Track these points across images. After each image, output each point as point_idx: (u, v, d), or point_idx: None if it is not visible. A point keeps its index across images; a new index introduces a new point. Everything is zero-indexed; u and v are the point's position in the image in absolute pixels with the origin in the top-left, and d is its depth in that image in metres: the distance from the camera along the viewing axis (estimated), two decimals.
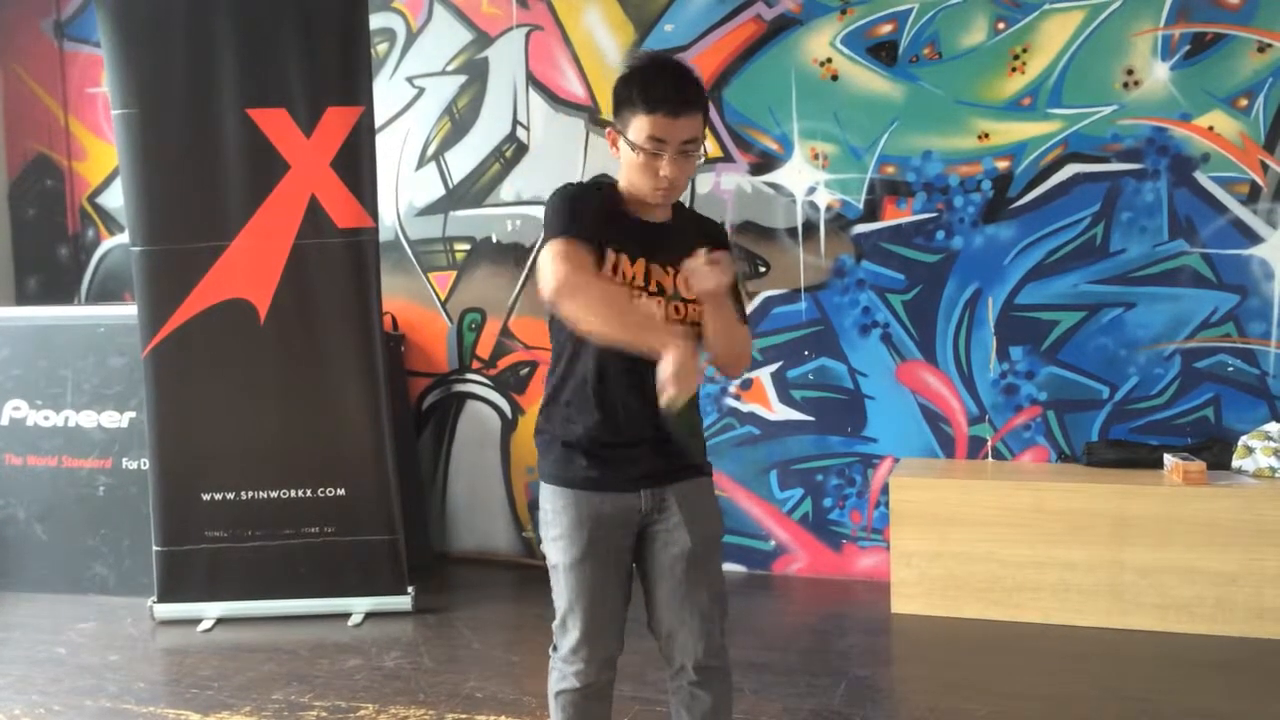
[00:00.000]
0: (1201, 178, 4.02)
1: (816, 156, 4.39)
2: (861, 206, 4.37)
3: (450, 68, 4.83)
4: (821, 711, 3.26)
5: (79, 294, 5.39)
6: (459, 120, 4.84)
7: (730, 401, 4.55)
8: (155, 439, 4.16)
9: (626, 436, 2.20)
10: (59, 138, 5.37)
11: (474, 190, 4.84)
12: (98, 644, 3.99)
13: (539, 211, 4.70)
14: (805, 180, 4.42)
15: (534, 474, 4.83)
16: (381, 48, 4.86)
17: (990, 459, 4.30)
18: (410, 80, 4.88)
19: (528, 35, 4.71)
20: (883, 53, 4.29)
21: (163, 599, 4.20)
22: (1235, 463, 3.94)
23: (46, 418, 4.56)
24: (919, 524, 4.02)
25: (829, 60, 4.34)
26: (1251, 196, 3.98)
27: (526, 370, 4.85)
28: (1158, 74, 4.02)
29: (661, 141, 2.12)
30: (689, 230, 2.25)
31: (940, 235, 4.29)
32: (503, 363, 4.87)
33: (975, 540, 3.96)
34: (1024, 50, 4.14)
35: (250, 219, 4.08)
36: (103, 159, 5.30)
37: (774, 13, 4.39)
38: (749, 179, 4.48)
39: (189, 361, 4.12)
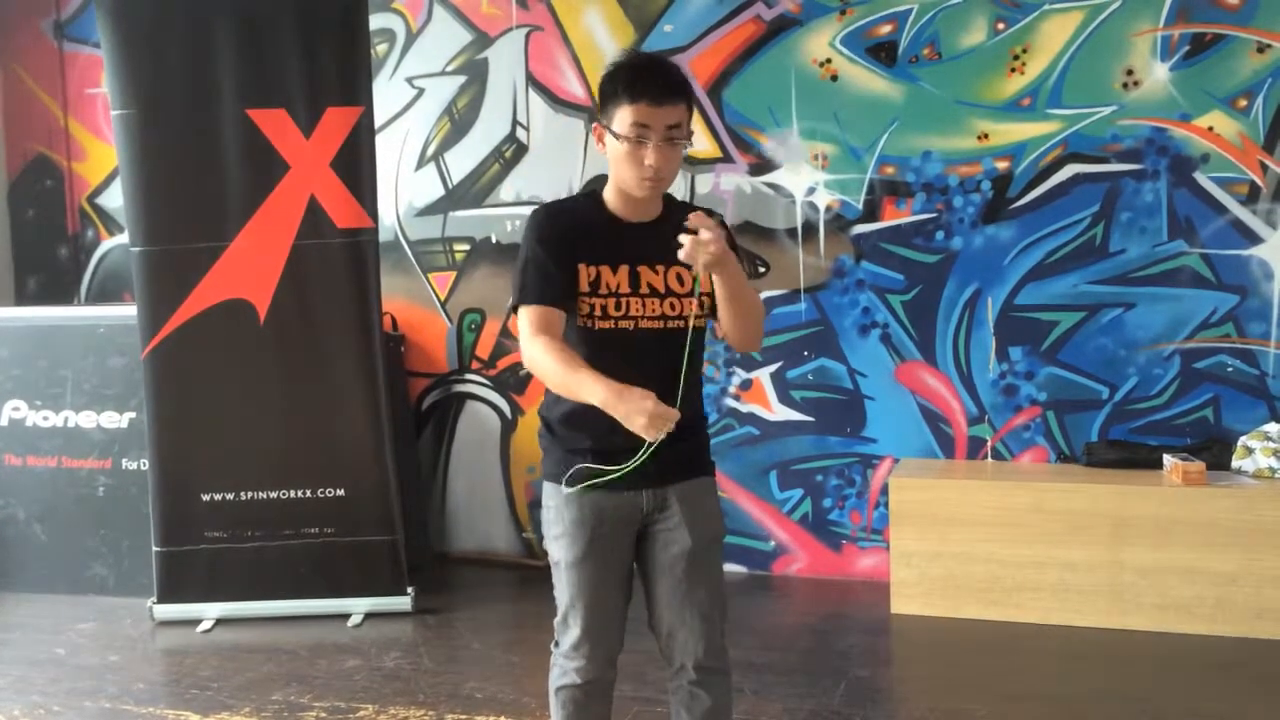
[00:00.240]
0: (1201, 178, 4.02)
1: (816, 157, 4.39)
2: (861, 207, 4.37)
3: (450, 68, 4.83)
4: (821, 712, 3.26)
5: (78, 294, 5.39)
6: (459, 121, 4.84)
7: (730, 402, 4.55)
8: (155, 439, 4.16)
9: (627, 436, 2.20)
10: (59, 138, 5.37)
11: (474, 191, 4.84)
12: (97, 644, 3.99)
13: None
14: (805, 181, 4.42)
15: (534, 474, 4.83)
16: (381, 48, 4.86)
17: (990, 459, 4.30)
18: (410, 81, 4.88)
19: (527, 36, 4.72)
20: (882, 53, 4.29)
21: (162, 599, 4.20)
22: (1235, 463, 3.94)
23: (46, 418, 4.56)
24: (919, 524, 4.02)
25: (828, 60, 4.34)
26: (1251, 197, 3.99)
27: (526, 371, 4.83)
28: (1157, 74, 4.02)
29: (645, 128, 2.13)
30: (678, 224, 2.22)
31: (940, 236, 4.29)
32: (502, 363, 4.87)
33: (975, 540, 3.96)
34: (1024, 50, 4.14)
35: (250, 219, 4.08)
36: (102, 159, 5.30)
37: (773, 13, 4.39)
38: (748, 179, 4.48)
39: (189, 362, 4.12)
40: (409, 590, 4.21)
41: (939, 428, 4.36)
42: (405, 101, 4.89)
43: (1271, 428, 3.92)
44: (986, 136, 4.21)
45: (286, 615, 4.18)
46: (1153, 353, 4.12)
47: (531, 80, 4.72)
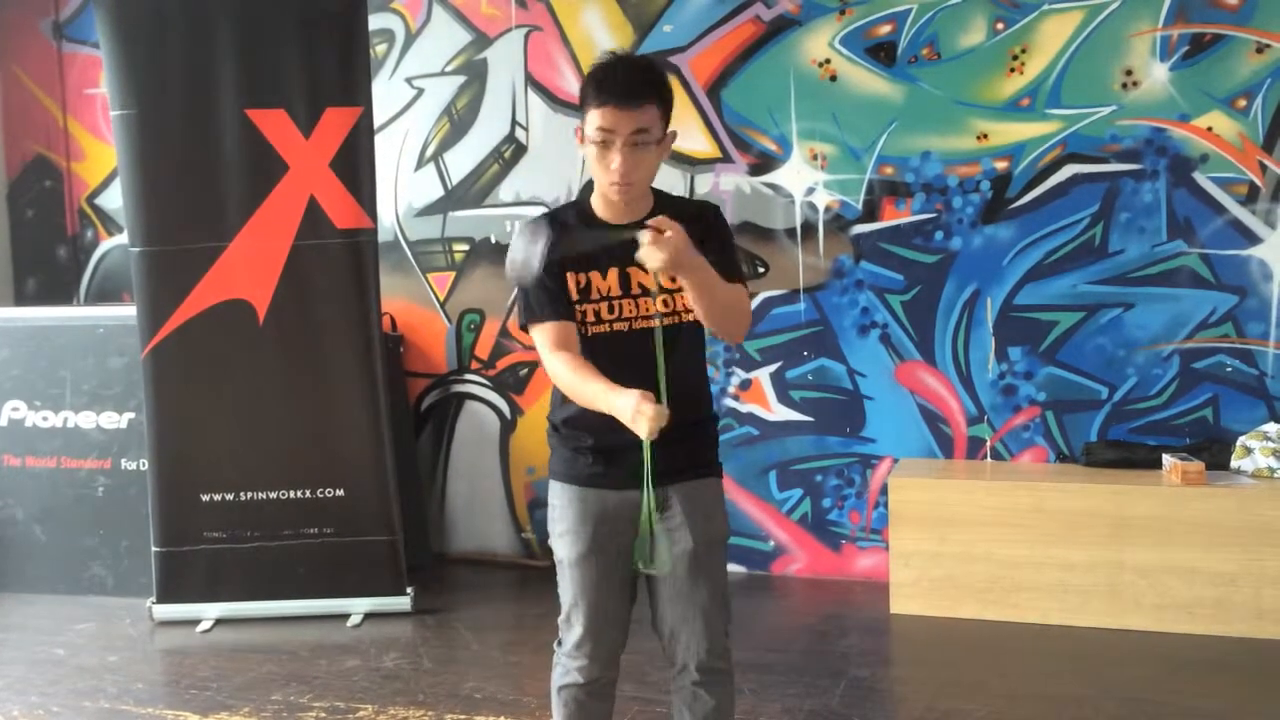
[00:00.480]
0: (1200, 178, 4.02)
1: (815, 157, 4.39)
2: (860, 207, 4.37)
3: (449, 68, 4.83)
4: (820, 711, 3.26)
5: (78, 295, 5.39)
6: (458, 121, 4.84)
7: (729, 402, 4.55)
8: (154, 440, 4.16)
9: (627, 434, 2.21)
10: (58, 138, 5.37)
11: (473, 191, 4.84)
12: (97, 645, 3.99)
13: (538, 213, 4.71)
14: (804, 181, 4.42)
15: (533, 474, 4.83)
16: (380, 48, 4.86)
17: (989, 459, 4.30)
18: (409, 81, 4.88)
19: (527, 36, 4.72)
20: (881, 53, 4.29)
21: (162, 600, 4.20)
22: (1234, 463, 3.94)
23: (45, 418, 4.55)
24: (918, 524, 4.02)
25: (828, 61, 4.34)
26: (1250, 197, 3.99)
27: (525, 371, 4.85)
28: (1156, 74, 4.02)
29: (610, 132, 2.12)
30: (672, 220, 2.24)
31: (939, 236, 4.30)
32: (502, 363, 4.87)
33: (974, 541, 3.96)
34: (1023, 51, 4.14)
35: (249, 220, 4.08)
36: (101, 160, 5.29)
37: (773, 13, 4.39)
38: (748, 179, 4.48)
39: (188, 362, 4.12)
40: (408, 590, 4.22)
41: (938, 428, 4.36)
42: (404, 102, 4.89)
43: (1270, 427, 3.92)
44: (986, 137, 4.21)
45: (286, 615, 4.18)
46: (1152, 353, 4.12)
47: (531, 80, 4.72)
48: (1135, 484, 3.84)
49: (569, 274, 2.21)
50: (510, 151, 4.78)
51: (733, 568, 4.54)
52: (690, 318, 2.23)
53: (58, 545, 4.54)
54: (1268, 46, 3.91)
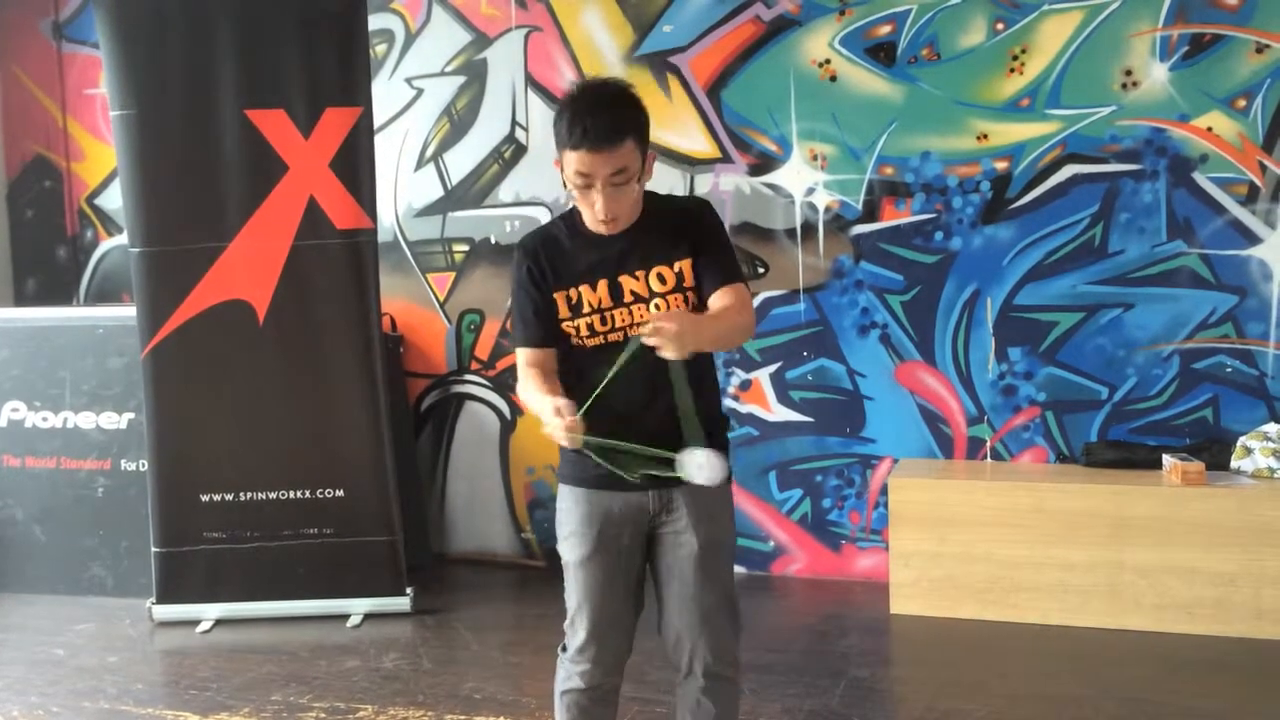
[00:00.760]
0: (1200, 178, 4.02)
1: (815, 157, 4.39)
2: (860, 207, 4.37)
3: (449, 69, 4.83)
4: (820, 712, 3.26)
5: (77, 295, 5.39)
6: (458, 121, 4.84)
7: (729, 402, 4.55)
8: (154, 440, 4.16)
9: (629, 439, 2.21)
10: (57, 139, 5.37)
11: (473, 191, 4.84)
12: (96, 645, 3.99)
13: (538, 213, 4.72)
14: (804, 181, 4.42)
15: (533, 474, 4.83)
16: (380, 48, 4.86)
17: (989, 459, 4.30)
18: (409, 81, 4.88)
19: (526, 36, 4.72)
20: (881, 53, 4.29)
21: (161, 600, 4.20)
22: (1234, 463, 3.94)
23: (45, 419, 4.55)
24: (918, 525, 4.02)
25: (827, 61, 4.34)
26: (1250, 197, 3.99)
27: None
28: (1156, 75, 4.02)
29: (588, 176, 2.10)
30: (655, 225, 2.24)
31: (939, 236, 4.30)
32: (501, 364, 4.87)
33: (974, 541, 3.96)
34: (1023, 51, 4.14)
35: (249, 220, 4.08)
36: (101, 160, 5.29)
37: (773, 13, 4.39)
38: (748, 180, 4.48)
39: (188, 363, 4.12)
40: (408, 591, 4.21)
41: (938, 428, 4.36)
42: (404, 102, 4.89)
43: (1270, 428, 3.92)
44: (985, 137, 4.21)
45: (286, 616, 4.18)
46: (1152, 353, 4.12)
47: (530, 81, 4.72)
48: (1135, 484, 3.84)
49: (558, 293, 2.23)
50: (510, 152, 4.78)
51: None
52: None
53: (57, 546, 4.54)
54: (1267, 47, 3.91)
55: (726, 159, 4.50)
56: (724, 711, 2.32)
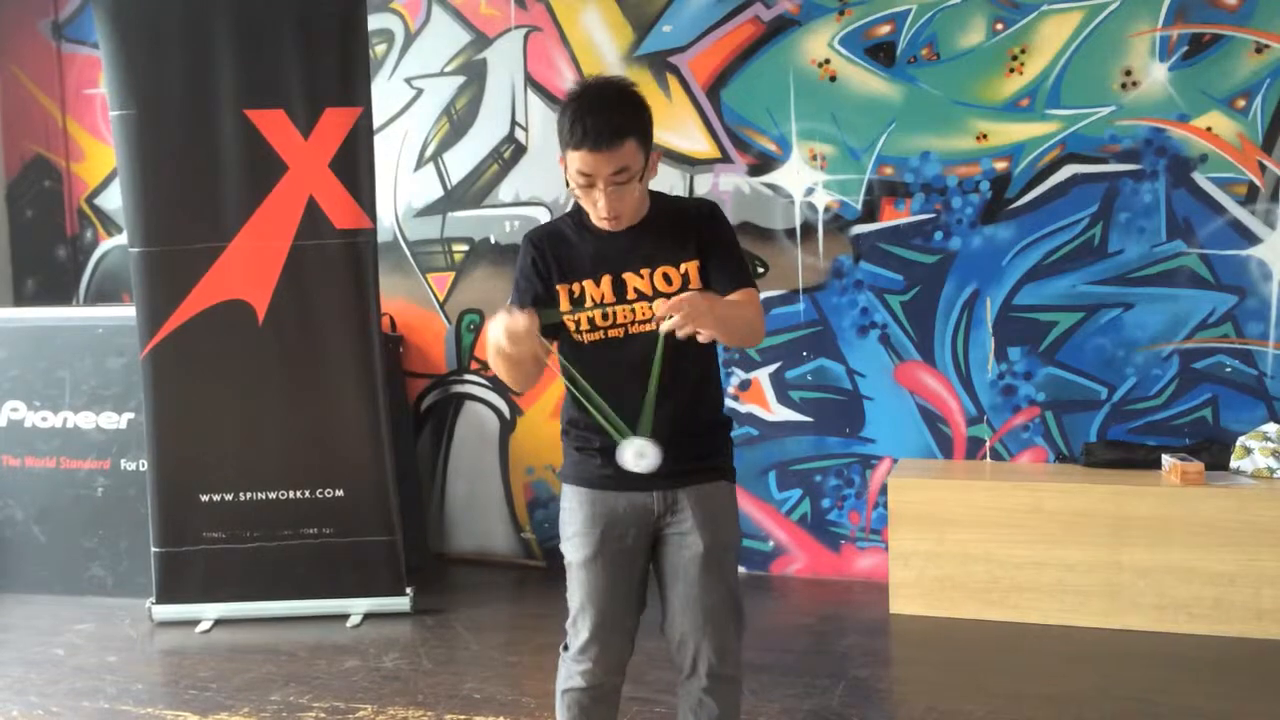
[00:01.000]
0: (1199, 178, 4.02)
1: (815, 157, 4.40)
2: (860, 207, 4.37)
3: (449, 69, 4.83)
4: (820, 712, 3.26)
5: (77, 295, 5.39)
6: (457, 121, 4.84)
7: (729, 402, 4.55)
8: (153, 440, 4.16)
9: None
10: (57, 139, 5.37)
11: (472, 191, 4.84)
12: (96, 645, 3.99)
13: (537, 213, 4.72)
14: (803, 181, 4.42)
15: (532, 474, 4.83)
16: (380, 48, 4.86)
17: (988, 460, 4.30)
18: (409, 81, 4.88)
19: (526, 36, 4.72)
20: (881, 53, 4.29)
21: (161, 600, 4.20)
22: (1233, 463, 3.94)
23: (45, 419, 4.55)
24: (917, 525, 4.02)
25: (827, 61, 4.34)
26: (1249, 197, 3.99)
27: None
28: (1156, 75, 4.02)
29: (589, 175, 2.12)
30: (662, 224, 2.24)
31: (938, 236, 4.30)
32: None
33: (973, 541, 3.96)
34: (1022, 51, 4.14)
35: (248, 220, 4.08)
36: (101, 160, 5.29)
37: (772, 13, 4.39)
38: (747, 180, 4.48)
39: (187, 363, 4.12)
40: (408, 591, 4.21)
41: (938, 428, 4.36)
42: (404, 102, 4.89)
43: (1270, 428, 3.92)
44: (985, 137, 4.21)
45: (285, 616, 4.18)
46: (1151, 353, 4.12)
47: (530, 81, 4.72)
48: (1134, 484, 3.85)
49: (561, 287, 2.23)
50: (510, 152, 4.78)
51: None
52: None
53: (57, 546, 4.54)
54: (1267, 46, 3.91)
55: (726, 159, 4.50)
56: (727, 711, 2.33)
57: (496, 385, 4.89)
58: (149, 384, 4.15)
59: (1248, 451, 3.91)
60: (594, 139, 2.07)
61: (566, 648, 2.36)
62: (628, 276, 2.22)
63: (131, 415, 4.46)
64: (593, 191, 2.14)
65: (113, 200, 5.18)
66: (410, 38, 4.86)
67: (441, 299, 4.93)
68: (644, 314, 2.21)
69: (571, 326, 2.24)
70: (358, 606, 4.20)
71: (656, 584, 2.34)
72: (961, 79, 4.21)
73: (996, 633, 3.87)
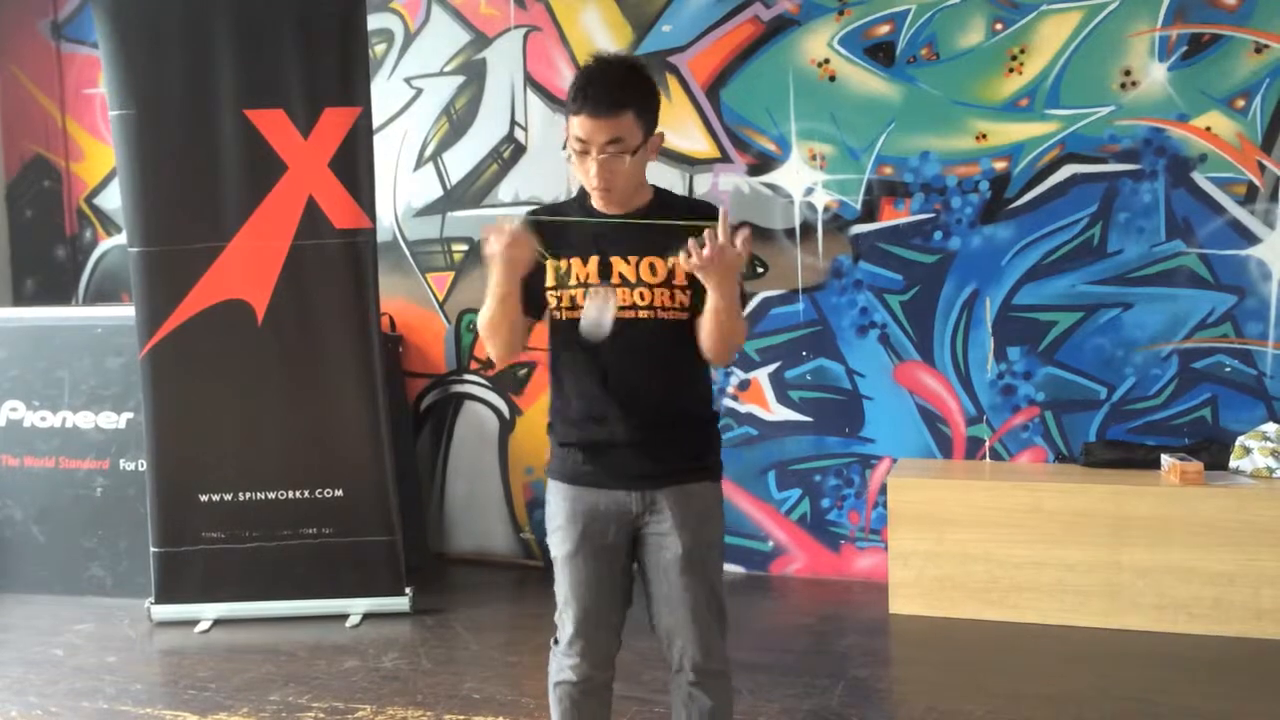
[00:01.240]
0: (1199, 178, 4.02)
1: (814, 157, 4.39)
2: (859, 207, 4.37)
3: (448, 68, 4.83)
4: (820, 712, 3.26)
5: (76, 295, 5.39)
6: (457, 121, 4.84)
7: (728, 402, 4.55)
8: (153, 440, 4.16)
9: (608, 429, 2.25)
10: (56, 139, 5.37)
11: (472, 191, 4.84)
12: (95, 645, 3.99)
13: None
14: (803, 181, 4.42)
15: (532, 474, 4.83)
16: (379, 48, 4.86)
17: (988, 459, 4.30)
18: (408, 81, 4.88)
19: (526, 36, 4.71)
20: (880, 53, 4.29)
21: (160, 600, 4.20)
22: (1233, 463, 3.94)
23: (44, 419, 4.55)
24: (917, 524, 4.02)
25: (826, 61, 4.34)
26: (1249, 197, 3.99)
27: (524, 371, 4.85)
28: (1155, 75, 4.02)
29: (584, 141, 2.15)
30: (660, 217, 2.24)
31: (938, 236, 4.30)
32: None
33: (973, 541, 3.96)
34: (1021, 51, 4.14)
35: (248, 220, 4.08)
36: (100, 160, 5.29)
37: (772, 13, 4.39)
38: (746, 179, 4.48)
39: (187, 362, 4.12)
40: (407, 591, 4.21)
41: (937, 428, 4.36)
42: (403, 102, 4.89)
43: (1269, 427, 3.92)
44: (984, 137, 4.21)
45: (284, 616, 4.18)
46: (1150, 353, 4.12)
47: (530, 80, 4.72)
48: (1134, 484, 3.85)
49: (549, 261, 2.25)
50: (509, 151, 4.78)
51: (731, 568, 4.55)
52: (671, 315, 2.23)
53: (56, 545, 4.54)
54: (1266, 46, 3.91)
55: (725, 159, 4.50)
56: (718, 703, 2.34)
57: (496, 385, 4.89)
58: (148, 384, 4.15)
59: (1247, 451, 3.91)
60: (593, 105, 2.12)
61: (556, 641, 2.37)
62: (614, 260, 2.23)
63: (131, 415, 4.46)
64: (586, 159, 2.16)
65: (112, 200, 5.18)
66: (410, 37, 4.86)
67: (441, 299, 4.93)
68: (624, 299, 2.21)
69: (552, 302, 2.27)
70: (357, 606, 4.20)
71: (641, 582, 2.35)
72: (961, 79, 4.21)
73: (996, 633, 3.87)
